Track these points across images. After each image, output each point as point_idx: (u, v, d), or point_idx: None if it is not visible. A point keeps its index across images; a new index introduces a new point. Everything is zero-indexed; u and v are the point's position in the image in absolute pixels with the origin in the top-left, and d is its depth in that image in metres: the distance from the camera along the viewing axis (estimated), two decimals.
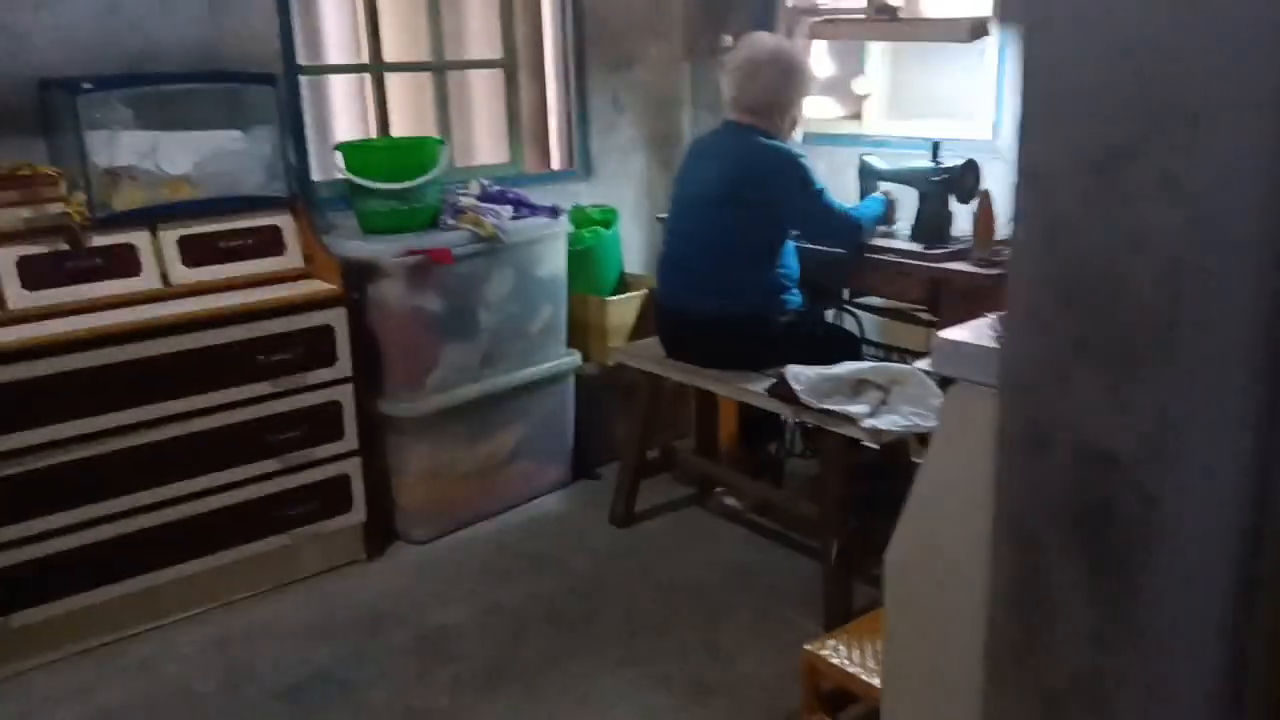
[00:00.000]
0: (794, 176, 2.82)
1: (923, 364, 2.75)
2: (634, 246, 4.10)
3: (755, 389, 2.76)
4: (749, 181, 2.83)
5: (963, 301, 2.75)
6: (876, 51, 3.59)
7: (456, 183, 3.37)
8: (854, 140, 3.68)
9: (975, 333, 1.69)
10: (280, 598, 2.88)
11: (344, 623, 2.76)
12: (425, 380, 3.09)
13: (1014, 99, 3.21)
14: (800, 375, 2.61)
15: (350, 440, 2.96)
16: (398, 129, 3.58)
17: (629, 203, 4.10)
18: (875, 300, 3.40)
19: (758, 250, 2.89)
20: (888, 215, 3.10)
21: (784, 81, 2.89)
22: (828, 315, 3.43)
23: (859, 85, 3.57)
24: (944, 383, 2.97)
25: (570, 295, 3.46)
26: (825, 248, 3.01)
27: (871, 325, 3.47)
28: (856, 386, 2.61)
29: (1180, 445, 0.86)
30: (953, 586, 1.65)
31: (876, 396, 2.58)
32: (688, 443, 3.56)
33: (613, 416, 3.66)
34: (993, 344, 1.56)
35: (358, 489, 3.01)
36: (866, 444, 2.53)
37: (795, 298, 2.96)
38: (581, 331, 3.56)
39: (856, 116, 3.68)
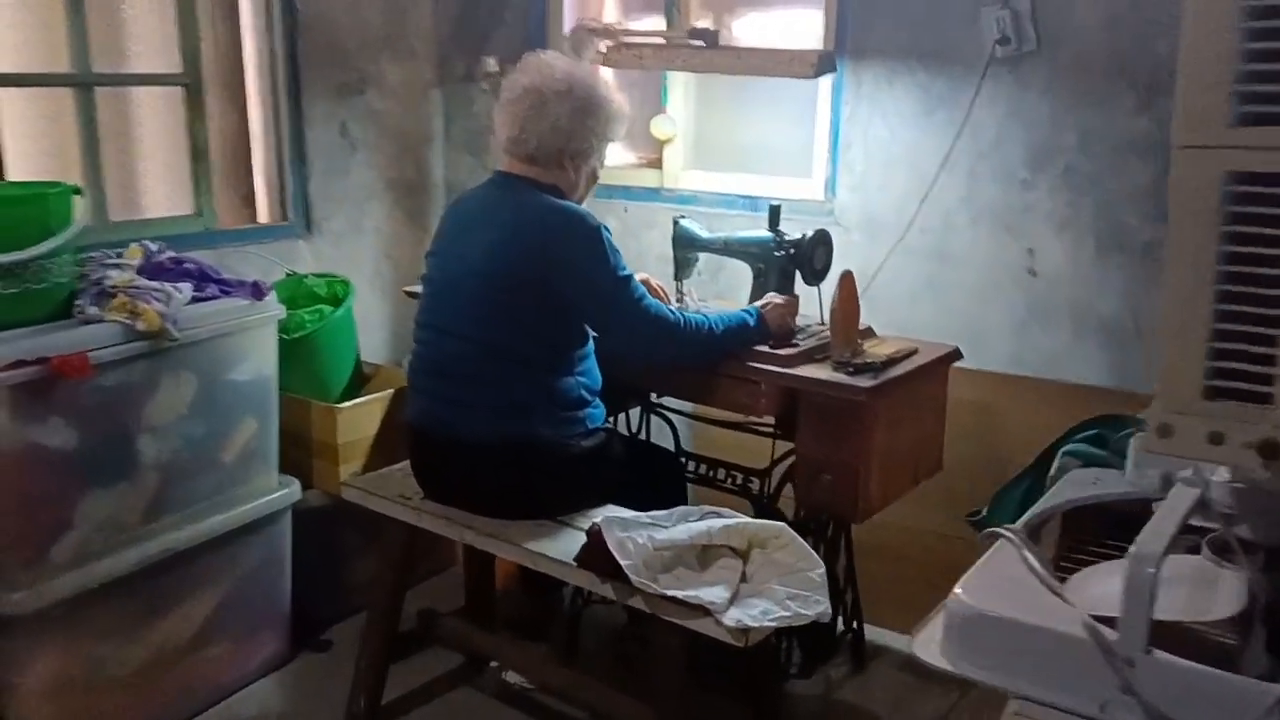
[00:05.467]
0: (589, 252, 2.02)
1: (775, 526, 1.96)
2: (374, 326, 3.18)
3: (555, 554, 1.94)
4: (528, 256, 2.01)
5: (828, 421, 2.07)
6: (679, 86, 2.90)
7: (106, 249, 2.33)
8: (653, 194, 2.97)
9: (1019, 597, 0.86)
10: None
11: None
12: (50, 551, 2.04)
13: (857, 152, 2.60)
14: (625, 540, 1.81)
15: None
16: (21, 169, 2.50)
17: (366, 268, 3.18)
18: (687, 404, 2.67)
19: (547, 352, 2.07)
20: (771, 325, 2.20)
21: (582, 120, 2.09)
22: (630, 419, 2.66)
23: (659, 127, 2.85)
24: (820, 537, 2.30)
25: (284, 400, 2.50)
26: (633, 358, 2.20)
27: (685, 429, 2.73)
28: (703, 554, 1.85)
29: None
30: None
31: (733, 568, 1.82)
32: (454, 573, 2.67)
33: (346, 559, 2.73)
34: (1078, 628, 0.78)
35: None
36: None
37: (599, 412, 2.18)
38: (301, 450, 2.60)
39: (655, 164, 2.96)
